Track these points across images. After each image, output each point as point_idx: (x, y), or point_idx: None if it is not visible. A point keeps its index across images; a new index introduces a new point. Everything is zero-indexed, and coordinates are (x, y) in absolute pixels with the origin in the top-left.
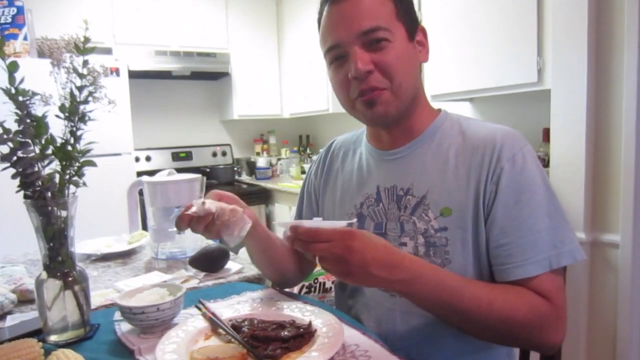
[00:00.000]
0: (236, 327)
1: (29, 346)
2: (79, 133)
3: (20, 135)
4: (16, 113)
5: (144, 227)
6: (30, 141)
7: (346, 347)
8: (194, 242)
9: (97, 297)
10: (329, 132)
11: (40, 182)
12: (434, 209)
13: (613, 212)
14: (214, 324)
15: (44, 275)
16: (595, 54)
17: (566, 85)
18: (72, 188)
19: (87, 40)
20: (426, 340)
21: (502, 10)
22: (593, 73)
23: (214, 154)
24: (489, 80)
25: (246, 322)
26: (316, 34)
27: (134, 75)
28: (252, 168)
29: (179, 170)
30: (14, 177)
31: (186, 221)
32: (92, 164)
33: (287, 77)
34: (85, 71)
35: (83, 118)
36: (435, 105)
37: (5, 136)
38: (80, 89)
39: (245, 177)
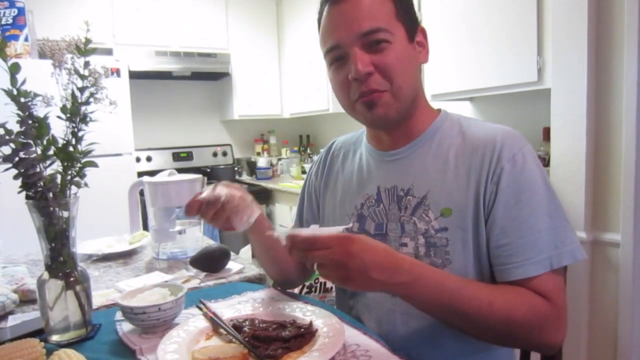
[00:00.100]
0: (237, 327)
1: (31, 346)
2: (80, 134)
3: (22, 136)
4: (18, 114)
5: (145, 227)
6: (32, 142)
7: (347, 347)
8: (194, 242)
9: (99, 297)
10: (329, 132)
11: (42, 183)
12: (435, 210)
13: (613, 211)
14: (215, 324)
15: (46, 275)
16: (595, 53)
17: (566, 85)
18: (73, 189)
19: (88, 41)
20: (426, 341)
21: (502, 10)
22: (593, 72)
23: (215, 154)
24: (489, 80)
25: (247, 322)
26: (316, 34)
27: (134, 75)
28: (252, 168)
29: (180, 171)
30: (15, 177)
31: (196, 207)
32: (93, 164)
33: (288, 77)
34: (86, 72)
35: (84, 119)
36: (435, 105)
37: (7, 137)
38: (82, 90)
39: (245, 177)
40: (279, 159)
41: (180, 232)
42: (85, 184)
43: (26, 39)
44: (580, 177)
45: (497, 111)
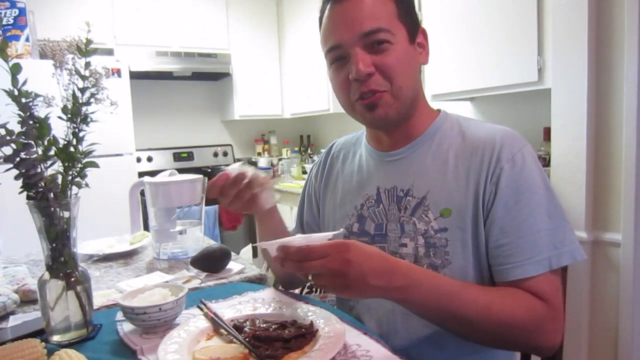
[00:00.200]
0: (238, 327)
1: (31, 346)
2: (81, 134)
3: (23, 137)
4: (19, 115)
5: (146, 227)
6: (33, 142)
7: (347, 347)
8: (195, 242)
9: (100, 298)
10: (329, 132)
11: (43, 183)
12: (434, 210)
13: (614, 210)
14: (216, 324)
15: (47, 275)
16: (595, 52)
17: (567, 84)
18: (74, 189)
19: (89, 42)
20: (427, 341)
21: (502, 10)
22: (593, 72)
23: (215, 154)
24: (490, 80)
25: (248, 322)
26: (317, 34)
27: (135, 76)
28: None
29: (181, 171)
30: (17, 178)
31: (220, 184)
32: (94, 165)
33: (288, 77)
34: (87, 73)
35: (85, 119)
36: (436, 105)
37: (8, 137)
38: (83, 90)
39: None
40: (280, 159)
41: (181, 233)
42: (86, 185)
43: (27, 40)
44: (580, 176)
45: (497, 111)
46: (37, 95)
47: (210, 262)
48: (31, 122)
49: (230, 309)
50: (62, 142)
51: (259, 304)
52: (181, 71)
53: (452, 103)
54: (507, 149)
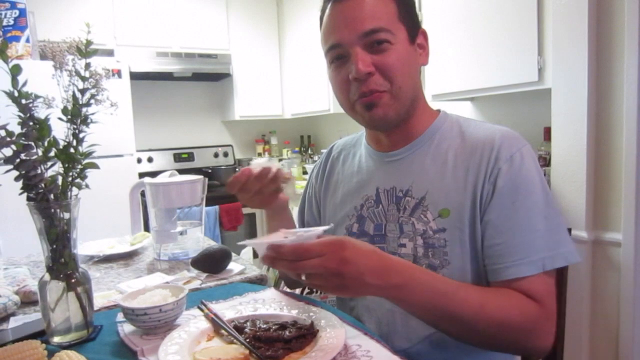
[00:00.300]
0: (238, 327)
1: (32, 347)
2: (81, 135)
3: (23, 138)
4: (19, 116)
5: (146, 228)
6: (33, 144)
7: (348, 347)
8: (196, 243)
9: (100, 299)
10: (330, 132)
11: (43, 185)
12: (433, 210)
13: (615, 210)
14: (216, 325)
15: (47, 276)
16: (595, 52)
17: (567, 84)
18: (74, 190)
19: (89, 43)
20: (426, 341)
21: (502, 10)
22: (594, 71)
23: (216, 155)
24: (490, 80)
25: (248, 323)
26: (317, 34)
27: (135, 76)
28: None
29: (181, 171)
30: (17, 179)
31: (242, 179)
32: (94, 166)
33: (288, 78)
34: (87, 74)
35: (85, 120)
36: (436, 105)
37: (8, 139)
38: (83, 91)
39: None
40: (280, 160)
41: (181, 233)
42: (87, 186)
43: (27, 40)
44: (581, 176)
45: (497, 111)
46: (37, 97)
47: (211, 262)
48: (31, 123)
49: (230, 310)
50: (62, 143)
51: (259, 305)
52: (181, 72)
53: (453, 103)
54: (505, 149)
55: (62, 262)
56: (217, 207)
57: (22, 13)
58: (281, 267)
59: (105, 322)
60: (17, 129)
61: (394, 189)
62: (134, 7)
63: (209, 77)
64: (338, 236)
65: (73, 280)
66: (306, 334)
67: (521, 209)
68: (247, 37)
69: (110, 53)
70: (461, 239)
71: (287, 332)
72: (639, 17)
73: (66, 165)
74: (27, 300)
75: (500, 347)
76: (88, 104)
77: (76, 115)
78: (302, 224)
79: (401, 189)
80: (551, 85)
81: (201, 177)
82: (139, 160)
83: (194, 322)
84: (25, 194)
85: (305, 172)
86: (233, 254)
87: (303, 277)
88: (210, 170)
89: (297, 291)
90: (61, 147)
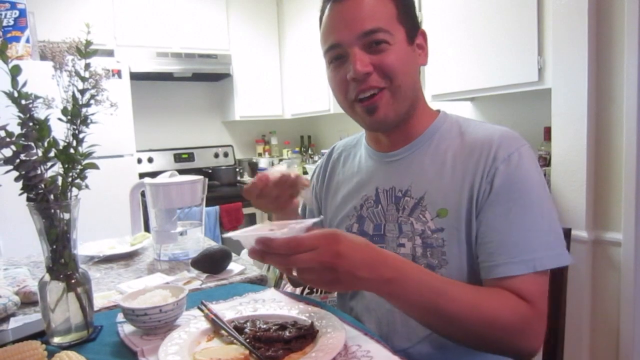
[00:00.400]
0: (238, 328)
1: (32, 348)
2: (81, 136)
3: (23, 139)
4: (19, 116)
5: (146, 228)
6: (32, 144)
7: (348, 347)
8: (196, 243)
9: (100, 299)
10: (330, 132)
11: (43, 185)
12: (431, 210)
13: (615, 210)
14: (216, 325)
15: (47, 277)
16: (595, 52)
17: (567, 84)
18: (74, 190)
19: (88, 43)
20: (426, 341)
21: (502, 10)
22: (593, 71)
23: (216, 155)
24: (490, 80)
25: (248, 323)
26: (317, 35)
27: (135, 77)
28: (254, 169)
29: (181, 172)
30: (17, 179)
31: (260, 185)
32: (94, 166)
33: (289, 78)
34: (87, 74)
35: (85, 121)
36: (436, 105)
37: (8, 139)
38: (83, 92)
39: (247, 178)
40: (280, 160)
41: (181, 234)
42: (86, 186)
43: (27, 41)
44: (581, 176)
45: (498, 111)
46: (37, 97)
47: (211, 263)
48: (31, 123)
49: (230, 310)
50: (62, 144)
51: (259, 305)
52: (181, 72)
53: (453, 103)
54: (504, 149)
55: (62, 262)
56: (217, 207)
57: (22, 13)
58: (271, 261)
59: (106, 323)
60: (17, 130)
61: (393, 189)
62: (134, 7)
63: (209, 78)
64: (330, 229)
65: (73, 281)
66: (306, 335)
67: (515, 208)
68: (247, 37)
69: (110, 53)
70: (459, 239)
71: (287, 333)
72: (638, 16)
73: (66, 165)
74: (27, 301)
75: (490, 347)
76: (88, 105)
77: (76, 115)
78: None
79: (400, 189)
80: (551, 85)
81: (201, 177)
82: (139, 161)
83: (194, 323)
84: (25, 195)
85: (305, 172)
86: (233, 255)
87: (294, 272)
88: (210, 171)
89: (297, 291)
90: (61, 147)
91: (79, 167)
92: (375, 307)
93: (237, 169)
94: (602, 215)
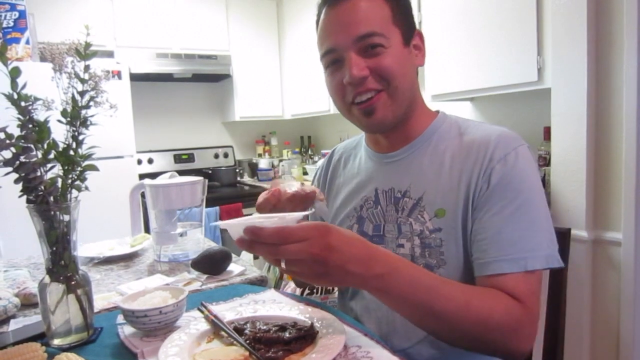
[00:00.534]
0: (238, 329)
1: (32, 350)
2: (80, 137)
3: (23, 140)
4: (18, 118)
5: (147, 229)
6: (32, 146)
7: (348, 348)
8: (196, 244)
9: (100, 300)
10: (330, 132)
11: (42, 187)
12: (429, 211)
13: (615, 209)
14: (217, 326)
15: (47, 279)
16: (594, 52)
17: (566, 84)
18: (74, 192)
19: (88, 45)
20: (426, 341)
21: (501, 10)
22: (593, 71)
23: (216, 156)
24: (490, 80)
25: (248, 325)
26: (315, 37)
27: (135, 78)
28: (254, 169)
29: (181, 172)
30: (16, 181)
31: (273, 201)
32: (94, 168)
33: (288, 78)
34: (86, 76)
35: (85, 123)
36: (436, 105)
37: (7, 141)
38: (82, 94)
39: (247, 179)
40: (281, 160)
41: (181, 235)
42: (86, 188)
43: (27, 42)
44: (581, 176)
45: (497, 111)
46: (36, 99)
47: (211, 264)
48: (31, 125)
49: (230, 311)
50: (61, 146)
51: (259, 306)
52: (181, 73)
53: (452, 103)
54: (500, 149)
55: (62, 264)
56: (217, 208)
57: (22, 15)
58: (259, 251)
59: (106, 324)
60: (17, 132)
61: (392, 190)
62: (134, 8)
63: (209, 78)
64: (321, 222)
65: (73, 283)
66: (306, 335)
67: (510, 207)
68: (247, 38)
69: (110, 54)
70: (456, 239)
71: (287, 334)
72: (638, 16)
73: (66, 167)
74: (27, 303)
75: (482, 347)
76: (87, 106)
77: (75, 117)
78: None
79: (399, 190)
80: (551, 85)
81: (201, 178)
82: (139, 162)
83: (194, 324)
84: (25, 197)
85: (305, 173)
86: (233, 255)
87: (282, 265)
88: (210, 171)
89: (298, 292)
90: (61, 149)
91: (79, 168)
92: (375, 308)
93: (237, 170)
94: (602, 215)
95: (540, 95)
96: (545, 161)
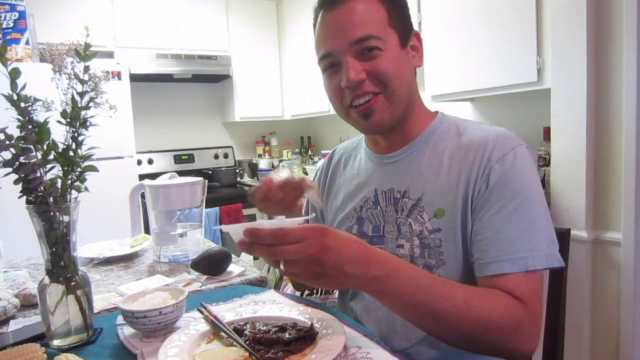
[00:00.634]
0: (238, 330)
1: (32, 351)
2: (80, 138)
3: (22, 141)
4: (18, 119)
5: (146, 230)
6: (32, 147)
7: (348, 349)
8: (196, 245)
9: (100, 301)
10: (330, 133)
11: (42, 188)
12: (429, 211)
13: (614, 209)
14: (216, 327)
15: (47, 279)
16: (594, 52)
17: (566, 84)
18: (74, 193)
19: (87, 46)
20: (426, 341)
21: (501, 10)
22: (592, 71)
23: (216, 156)
24: (489, 80)
25: (248, 325)
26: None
27: (135, 78)
28: (254, 170)
29: (181, 173)
30: (16, 182)
31: (264, 189)
32: (94, 169)
33: (288, 79)
34: (86, 77)
35: (84, 123)
36: (436, 105)
37: (7, 142)
38: (82, 94)
39: (247, 179)
40: (281, 161)
41: (181, 235)
42: (86, 188)
43: (27, 43)
44: (580, 176)
45: (497, 111)
46: (36, 100)
47: (211, 264)
48: (30, 126)
49: (230, 312)
50: (61, 146)
51: (259, 307)
52: (181, 73)
53: (452, 104)
54: (499, 149)
55: (61, 265)
56: (217, 208)
57: (22, 15)
58: (258, 252)
59: (105, 325)
60: (17, 132)
61: (391, 191)
62: (134, 8)
63: (209, 79)
64: (319, 224)
65: (73, 283)
66: (306, 336)
67: (509, 206)
68: (247, 38)
69: (110, 55)
70: (455, 239)
71: (286, 334)
72: (637, 17)
73: (65, 168)
74: (27, 303)
75: (483, 348)
76: (87, 107)
77: (75, 118)
78: None
79: (399, 190)
80: (550, 85)
81: (201, 178)
82: (139, 162)
83: (193, 325)
84: (24, 197)
85: (305, 173)
86: (233, 256)
87: (281, 266)
88: (210, 172)
89: (297, 293)
90: (60, 150)
91: (79, 169)
92: (375, 308)
93: (237, 170)
94: (602, 215)
95: (539, 96)
96: (545, 161)
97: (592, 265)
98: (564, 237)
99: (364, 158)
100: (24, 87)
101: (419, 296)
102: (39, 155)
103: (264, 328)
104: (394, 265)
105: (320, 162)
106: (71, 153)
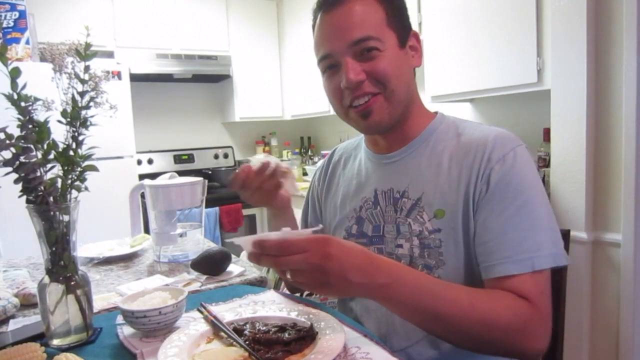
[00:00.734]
0: (238, 330)
1: (31, 350)
2: (80, 138)
3: (23, 141)
4: (18, 118)
5: (146, 230)
6: (32, 146)
7: (347, 349)
8: (195, 245)
9: (100, 301)
10: (330, 133)
11: (42, 187)
12: (428, 211)
13: (614, 210)
14: (216, 327)
15: (47, 279)
16: (594, 53)
17: (566, 85)
18: (74, 193)
19: (88, 46)
20: (425, 341)
21: (501, 11)
22: (592, 72)
23: (216, 156)
24: (489, 81)
25: (248, 325)
26: None
27: (135, 78)
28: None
29: (181, 173)
30: (16, 182)
31: (242, 176)
32: (94, 168)
33: (288, 79)
34: (86, 77)
35: (85, 123)
36: (435, 106)
37: (7, 141)
38: (82, 94)
39: None
40: (281, 161)
41: (181, 235)
42: (86, 188)
43: (27, 42)
44: (580, 177)
45: (497, 112)
46: (36, 99)
47: (211, 264)
48: (31, 126)
49: (230, 312)
50: (61, 146)
51: (259, 307)
52: (181, 73)
53: (452, 104)
54: (498, 149)
55: (61, 264)
56: (217, 208)
57: (22, 15)
58: (265, 263)
59: (105, 325)
60: (17, 132)
61: (391, 191)
62: (134, 8)
63: (209, 79)
64: (323, 234)
65: (72, 283)
66: (305, 336)
67: (511, 207)
68: (247, 38)
69: (110, 55)
70: (455, 240)
71: (286, 335)
72: (637, 17)
73: (65, 167)
74: (26, 303)
75: (491, 350)
76: (87, 107)
77: (75, 118)
78: (305, 225)
79: (398, 190)
80: (550, 87)
81: (201, 178)
82: (139, 162)
83: (193, 325)
84: (24, 197)
85: (305, 174)
86: (233, 256)
87: (288, 276)
88: (210, 172)
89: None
90: (60, 149)
91: (79, 169)
92: (375, 308)
93: (237, 170)
94: (602, 216)
95: (539, 97)
96: (544, 162)
97: (591, 267)
98: (563, 238)
99: (363, 158)
100: (24, 86)
101: (425, 301)
102: (39, 155)
103: (264, 328)
104: (399, 272)
105: (320, 162)
106: (71, 153)
